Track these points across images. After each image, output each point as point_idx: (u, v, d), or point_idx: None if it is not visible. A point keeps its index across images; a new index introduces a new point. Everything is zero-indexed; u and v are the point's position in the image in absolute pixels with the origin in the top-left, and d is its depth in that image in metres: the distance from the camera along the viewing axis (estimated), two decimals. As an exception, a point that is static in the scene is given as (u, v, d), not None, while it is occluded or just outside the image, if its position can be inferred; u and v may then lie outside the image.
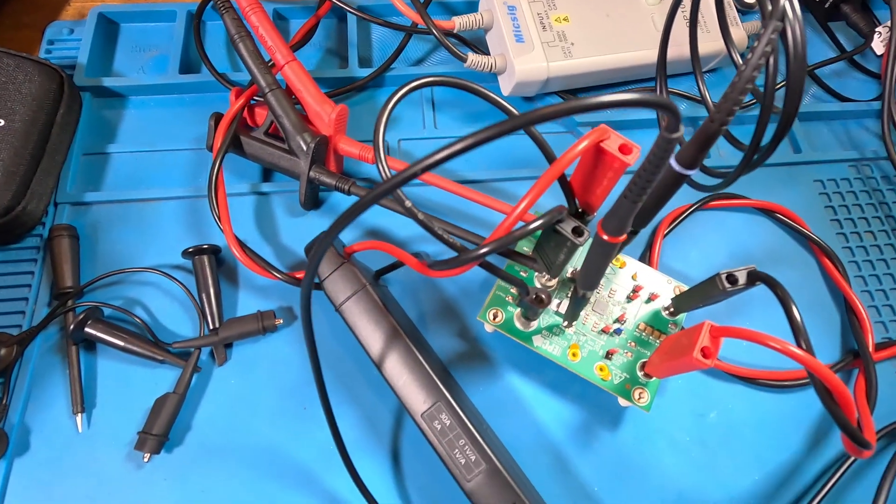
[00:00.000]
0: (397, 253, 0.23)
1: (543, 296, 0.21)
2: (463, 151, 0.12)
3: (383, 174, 0.22)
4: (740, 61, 0.22)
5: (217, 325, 0.25)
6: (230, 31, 0.26)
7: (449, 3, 0.34)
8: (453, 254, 0.19)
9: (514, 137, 0.31)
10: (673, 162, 0.18)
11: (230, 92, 0.28)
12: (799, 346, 0.18)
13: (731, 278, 0.20)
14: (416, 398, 0.21)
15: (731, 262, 0.29)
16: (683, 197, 0.30)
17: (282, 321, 0.25)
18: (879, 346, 0.27)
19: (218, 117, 0.28)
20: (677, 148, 0.17)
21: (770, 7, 0.15)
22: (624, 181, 0.21)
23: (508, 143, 0.31)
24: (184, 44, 0.32)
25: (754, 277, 0.20)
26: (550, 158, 0.22)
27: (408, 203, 0.19)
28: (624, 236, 0.17)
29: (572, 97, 0.32)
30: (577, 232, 0.19)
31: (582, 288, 0.20)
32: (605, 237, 0.17)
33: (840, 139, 0.33)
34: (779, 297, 0.19)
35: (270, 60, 0.27)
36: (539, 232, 0.20)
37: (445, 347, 0.26)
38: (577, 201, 0.21)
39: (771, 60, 0.16)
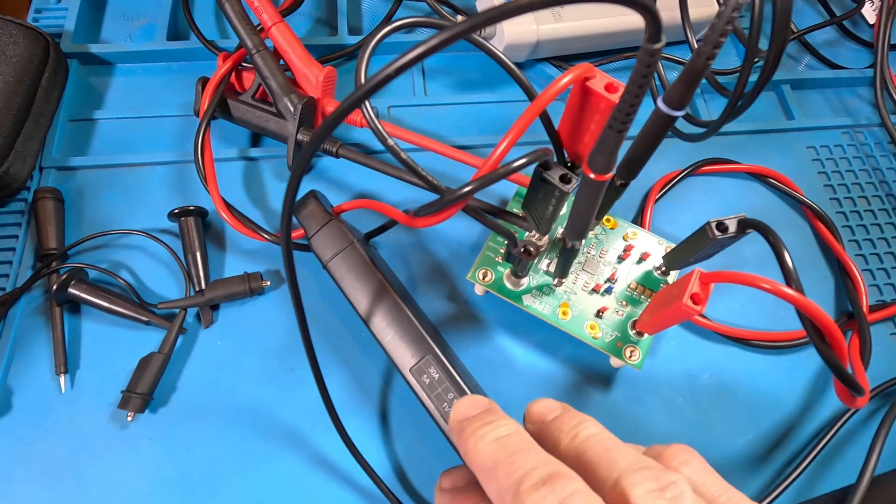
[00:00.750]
0: (383, 208, 0.23)
1: (532, 248, 0.21)
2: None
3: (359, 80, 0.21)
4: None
5: (203, 287, 0.25)
6: (217, -9, 0.26)
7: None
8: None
9: (504, 109, 0.31)
10: (661, 103, 0.18)
11: (218, 56, 0.27)
12: (789, 284, 0.18)
13: (721, 226, 0.20)
14: (405, 353, 0.21)
15: (724, 227, 0.28)
16: (675, 162, 0.30)
17: (269, 283, 0.25)
18: (873, 308, 0.26)
19: (205, 81, 0.27)
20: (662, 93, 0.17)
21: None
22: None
23: (499, 110, 0.31)
24: (171, 11, 0.31)
25: (745, 225, 0.19)
26: (532, 95, 0.21)
27: (390, 142, 0.18)
28: (611, 174, 0.17)
29: (564, 64, 0.32)
30: (565, 179, 0.19)
31: (570, 237, 0.20)
32: (592, 175, 0.17)
33: (833, 106, 0.33)
34: (770, 242, 0.19)
35: (258, 24, 0.27)
36: (526, 190, 0.20)
37: (436, 310, 0.25)
38: (565, 152, 0.21)
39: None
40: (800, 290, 0.18)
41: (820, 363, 0.26)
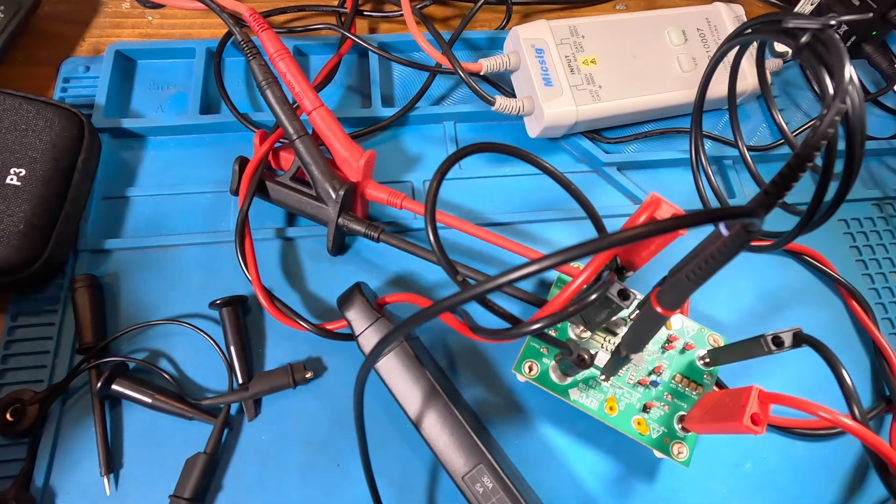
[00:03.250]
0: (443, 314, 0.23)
1: (586, 356, 0.21)
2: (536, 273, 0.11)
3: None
4: (779, 119, 0.22)
5: (246, 379, 0.24)
6: (258, 77, 0.26)
7: (469, 38, 0.34)
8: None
9: (538, 182, 0.31)
10: (724, 229, 0.18)
11: (255, 135, 0.27)
12: (851, 411, 0.18)
13: (777, 340, 0.20)
14: (458, 460, 0.21)
15: (759, 305, 0.29)
16: (711, 239, 0.30)
17: (312, 374, 0.25)
18: (910, 392, 0.27)
19: (242, 162, 0.27)
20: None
21: (830, 88, 0.15)
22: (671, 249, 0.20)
23: (536, 185, 0.31)
24: (203, 82, 0.31)
25: (800, 339, 0.20)
26: (600, 228, 0.21)
27: (459, 278, 0.18)
28: (678, 310, 0.17)
29: (598, 136, 0.32)
30: (623, 295, 0.19)
31: (626, 350, 0.20)
32: (660, 309, 0.17)
33: (862, 178, 0.33)
34: (827, 361, 0.19)
35: (296, 104, 0.27)
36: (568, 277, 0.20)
37: (477, 397, 0.25)
38: (618, 257, 0.21)
39: (834, 137, 0.15)
40: (862, 415, 0.18)
41: (858, 449, 0.26)
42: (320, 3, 0.35)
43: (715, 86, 0.29)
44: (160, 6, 0.28)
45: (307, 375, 0.24)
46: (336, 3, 0.35)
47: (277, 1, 0.35)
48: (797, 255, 0.30)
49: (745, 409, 0.19)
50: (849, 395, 0.17)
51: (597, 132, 0.32)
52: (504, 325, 0.22)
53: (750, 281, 0.29)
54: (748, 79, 0.31)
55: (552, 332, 0.24)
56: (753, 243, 0.23)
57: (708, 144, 0.32)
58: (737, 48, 0.20)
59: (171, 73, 0.32)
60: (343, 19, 0.34)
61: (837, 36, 0.15)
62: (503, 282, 0.12)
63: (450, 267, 0.19)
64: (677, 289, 0.16)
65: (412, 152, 0.31)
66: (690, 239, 0.18)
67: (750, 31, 0.18)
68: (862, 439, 0.17)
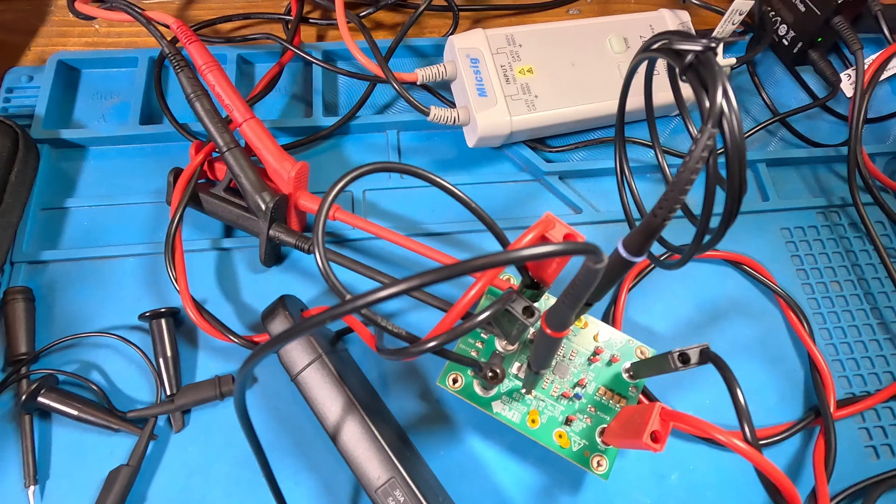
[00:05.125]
0: (353, 324, 0.23)
1: (497, 370, 0.21)
2: (395, 295, 0.11)
3: (338, 293, 0.21)
4: (693, 129, 0.22)
5: (174, 391, 0.25)
6: (186, 90, 0.26)
7: (416, 46, 0.34)
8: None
9: (480, 190, 0.31)
10: (620, 248, 0.18)
11: (190, 145, 0.27)
12: (743, 430, 0.18)
13: (683, 357, 0.20)
14: (371, 473, 0.21)
15: (696, 316, 0.29)
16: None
17: (240, 386, 0.25)
18: (842, 403, 0.27)
19: (177, 173, 0.27)
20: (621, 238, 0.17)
21: (707, 108, 0.15)
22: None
23: (476, 194, 0.30)
24: (145, 91, 0.31)
25: (706, 357, 0.20)
26: (502, 241, 0.21)
27: (347, 296, 0.18)
28: (567, 331, 0.17)
29: (539, 145, 0.31)
30: (528, 312, 0.19)
31: (534, 367, 0.20)
32: (549, 331, 0.17)
33: (809, 185, 0.33)
34: (725, 379, 0.19)
35: (228, 117, 0.27)
36: (497, 290, 0.20)
37: (406, 409, 0.25)
38: (529, 274, 0.21)
39: (710, 161, 0.15)
40: (752, 434, 0.18)
41: (786, 463, 0.26)
42: (267, 11, 0.35)
43: (658, 93, 0.29)
44: (93, 18, 0.28)
45: (234, 387, 0.25)
46: (283, 10, 0.35)
47: (225, 9, 0.35)
48: (736, 265, 0.30)
49: (647, 425, 0.19)
50: (741, 415, 0.17)
51: (539, 141, 0.32)
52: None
53: (688, 291, 0.29)
54: (689, 86, 0.30)
55: (478, 345, 0.24)
56: (655, 259, 0.23)
57: (652, 153, 0.32)
58: (646, 63, 0.20)
59: (115, 82, 0.32)
60: (289, 26, 0.33)
61: (714, 57, 0.15)
62: (360, 304, 0.12)
63: (338, 290, 0.19)
64: (558, 312, 0.16)
65: (354, 161, 0.31)
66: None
67: (653, 47, 0.18)
68: (751, 461, 0.17)
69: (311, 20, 0.35)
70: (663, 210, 0.16)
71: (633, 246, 0.17)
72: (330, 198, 0.20)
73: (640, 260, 0.18)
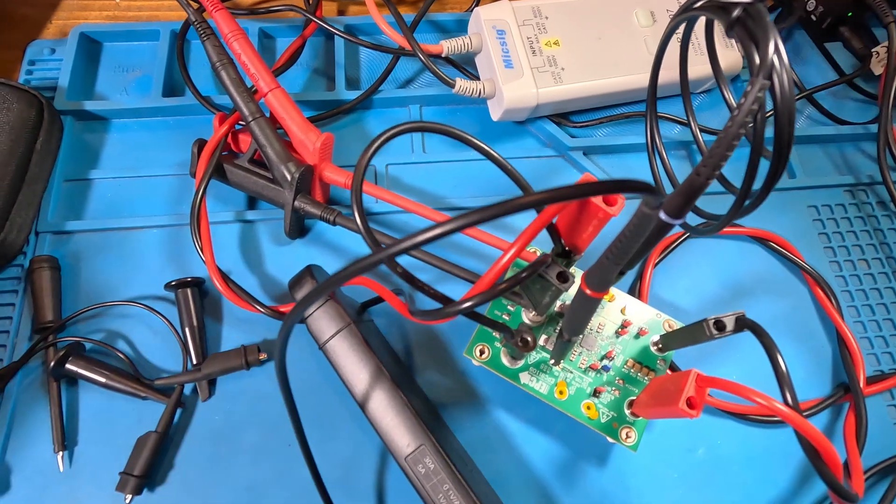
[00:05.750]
0: (382, 291, 0.23)
1: (529, 338, 0.21)
2: (449, 233, 0.11)
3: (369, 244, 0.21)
4: (732, 101, 0.22)
5: (200, 360, 0.25)
6: (212, 58, 0.25)
7: (439, 21, 0.34)
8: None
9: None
10: (661, 212, 0.17)
11: (214, 117, 0.27)
12: (784, 397, 0.18)
13: (719, 324, 0.20)
14: (400, 441, 0.21)
15: (722, 292, 0.28)
16: (675, 224, 0.29)
17: (266, 356, 0.25)
18: (871, 380, 0.26)
19: (201, 144, 0.27)
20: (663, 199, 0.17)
21: (757, 62, 0.14)
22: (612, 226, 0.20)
23: (496, 171, 0.30)
24: (167, 64, 0.31)
25: (742, 324, 0.19)
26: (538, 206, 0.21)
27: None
28: (607, 291, 0.17)
29: (564, 120, 0.31)
30: (563, 278, 0.19)
31: (567, 333, 0.20)
32: (589, 291, 0.17)
33: (836, 163, 0.32)
34: (764, 345, 0.19)
35: (253, 87, 0.27)
36: (523, 262, 0.20)
37: (432, 382, 0.25)
38: (562, 241, 0.21)
39: (759, 118, 0.15)
40: (794, 400, 0.17)
41: (815, 437, 0.26)
42: None
43: (690, 66, 0.29)
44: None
45: (261, 357, 0.25)
46: None
47: None
48: (763, 242, 0.29)
49: (682, 392, 0.19)
50: (782, 381, 0.17)
51: (563, 116, 0.31)
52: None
53: (713, 267, 0.29)
54: (723, 59, 0.30)
55: (505, 317, 0.24)
56: (690, 226, 0.22)
57: (677, 129, 0.32)
58: (684, 25, 0.19)
59: (137, 55, 0.32)
60: (311, 0, 0.33)
61: (765, 10, 0.15)
62: (409, 245, 0.12)
63: (374, 243, 0.19)
64: (600, 269, 0.15)
65: (376, 135, 0.31)
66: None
67: (696, 6, 0.18)
68: (793, 424, 0.17)
69: None
70: (707, 168, 0.15)
71: (673, 208, 0.17)
72: (370, 152, 0.20)
73: (680, 222, 0.17)
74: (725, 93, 0.21)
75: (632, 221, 0.13)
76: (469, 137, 0.21)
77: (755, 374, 0.26)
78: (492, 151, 0.21)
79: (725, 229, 0.29)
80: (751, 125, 0.15)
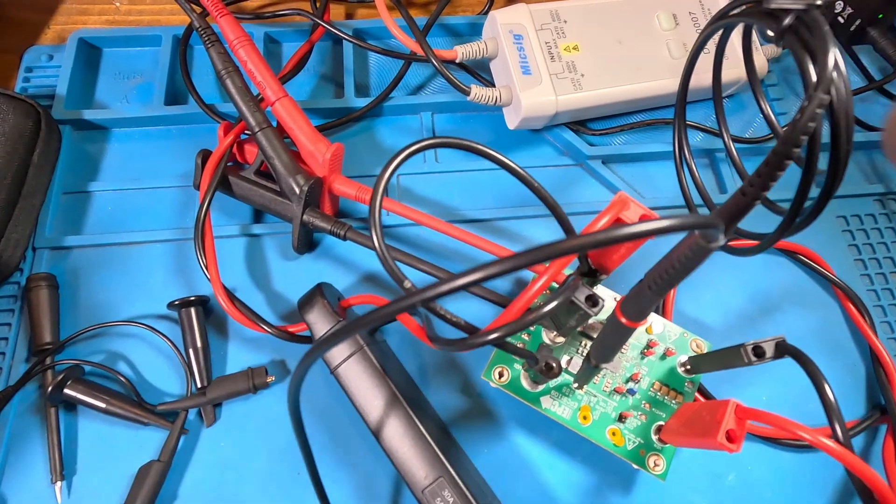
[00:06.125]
0: (400, 315, 0.21)
1: (554, 364, 0.20)
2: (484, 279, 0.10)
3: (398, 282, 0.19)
4: (769, 112, 0.21)
5: (205, 383, 0.23)
6: (217, 66, 0.24)
7: (450, 24, 0.33)
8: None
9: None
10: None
11: (219, 127, 0.26)
12: (834, 431, 0.17)
13: (758, 350, 0.18)
14: (418, 472, 0.20)
15: (748, 307, 0.27)
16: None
17: (273, 378, 0.24)
18: (907, 401, 0.25)
19: (205, 155, 0.26)
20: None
21: (814, 77, 0.13)
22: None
23: (512, 181, 0.29)
24: (170, 70, 0.30)
25: (783, 350, 0.18)
26: (566, 226, 0.20)
27: (408, 285, 0.17)
28: (645, 320, 0.15)
29: (582, 128, 0.30)
30: (592, 301, 0.18)
31: (596, 360, 0.19)
32: (624, 320, 0.15)
33: (865, 171, 0.31)
34: (810, 375, 0.17)
35: (260, 95, 0.26)
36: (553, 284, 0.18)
37: (447, 404, 0.24)
38: (589, 260, 0.20)
39: (816, 135, 0.14)
40: (844, 435, 0.16)
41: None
42: None
43: (706, 74, 0.27)
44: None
45: (268, 380, 0.23)
46: None
47: None
48: (790, 254, 0.28)
49: (720, 424, 0.17)
50: (831, 414, 0.16)
51: (581, 123, 0.30)
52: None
53: (739, 281, 0.28)
54: (741, 65, 0.29)
55: (525, 336, 0.23)
56: (734, 245, 0.21)
57: (699, 136, 0.30)
58: (720, 32, 0.18)
59: (138, 61, 0.31)
60: (318, 4, 0.32)
61: (823, 18, 0.14)
62: (445, 290, 0.11)
63: (395, 273, 0.18)
64: (640, 299, 0.14)
65: (387, 145, 0.30)
66: (667, 241, 0.16)
67: (734, 12, 0.16)
68: (844, 463, 0.15)
69: None
70: (755, 188, 0.14)
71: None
72: (387, 173, 0.19)
73: (724, 244, 0.16)
74: (762, 103, 0.20)
75: (683, 253, 0.12)
76: (495, 154, 0.20)
77: (787, 394, 0.25)
78: (520, 170, 0.20)
79: (752, 241, 0.28)
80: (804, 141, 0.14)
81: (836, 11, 0.32)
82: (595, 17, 0.28)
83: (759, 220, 0.23)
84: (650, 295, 0.14)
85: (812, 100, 0.13)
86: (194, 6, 0.25)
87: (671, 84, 0.28)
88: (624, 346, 0.23)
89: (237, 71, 0.25)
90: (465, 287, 0.10)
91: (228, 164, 0.26)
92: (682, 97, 0.21)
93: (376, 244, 0.18)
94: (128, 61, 0.31)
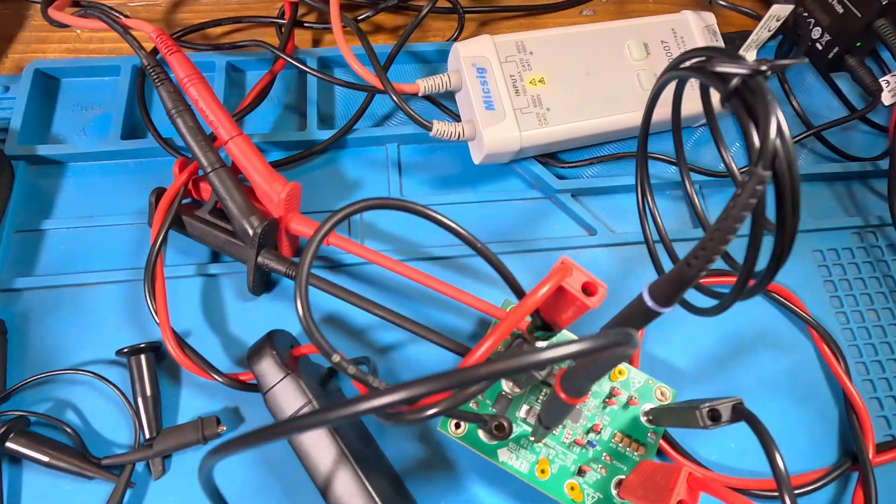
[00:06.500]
0: (352, 378, 0.21)
1: (505, 423, 0.19)
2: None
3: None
4: (728, 159, 0.20)
5: (154, 434, 0.23)
6: (167, 105, 0.24)
7: (420, 52, 0.32)
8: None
9: (486, 209, 0.29)
10: (646, 295, 0.16)
11: (174, 163, 0.25)
12: (782, 497, 0.16)
13: (714, 414, 0.18)
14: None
15: (720, 349, 0.27)
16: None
17: (225, 428, 0.23)
18: (881, 447, 0.24)
19: (159, 193, 0.25)
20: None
21: (757, 145, 0.12)
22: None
23: (484, 214, 0.28)
24: (128, 102, 0.29)
25: (739, 414, 0.17)
26: (514, 288, 0.19)
27: (336, 359, 0.16)
28: (584, 398, 0.15)
29: (550, 160, 0.29)
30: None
31: (545, 422, 0.18)
32: (563, 396, 0.15)
33: (843, 203, 0.30)
34: (763, 443, 0.17)
35: (213, 133, 0.25)
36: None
37: (404, 453, 0.24)
38: (542, 316, 0.19)
39: (758, 210, 0.13)
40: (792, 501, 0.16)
41: (821, 512, 0.24)
42: (259, 15, 0.33)
43: (685, 103, 0.27)
44: (66, 25, 0.26)
45: (219, 430, 0.23)
46: (276, 13, 0.32)
47: (215, 12, 0.33)
48: (765, 292, 0.27)
49: (672, 493, 0.17)
50: (782, 486, 0.15)
51: (551, 156, 0.29)
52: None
53: (711, 322, 0.26)
54: (715, 97, 0.28)
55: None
56: (690, 306, 0.20)
57: (671, 170, 0.30)
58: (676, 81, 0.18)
59: (97, 92, 0.30)
60: (283, 30, 0.31)
61: (766, 84, 0.13)
62: (388, 401, 0.10)
63: (321, 345, 0.17)
64: (576, 379, 0.14)
65: (351, 178, 0.29)
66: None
67: (684, 65, 0.16)
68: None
69: (305, 24, 0.32)
70: (699, 260, 0.14)
71: (661, 296, 0.15)
72: (309, 255, 0.18)
73: (668, 310, 0.15)
74: (724, 154, 0.19)
75: (604, 352, 0.11)
76: (432, 213, 0.19)
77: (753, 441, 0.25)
78: (463, 231, 0.19)
79: (723, 279, 0.27)
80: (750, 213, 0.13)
81: (814, 38, 0.32)
82: (563, 47, 0.27)
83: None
84: (584, 378, 0.13)
85: (752, 176, 0.12)
86: (148, 43, 0.24)
87: (641, 116, 0.27)
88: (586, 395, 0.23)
89: (188, 110, 0.24)
90: (365, 412, 0.09)
91: (185, 201, 0.26)
92: (644, 142, 0.20)
93: (301, 316, 0.17)
94: (86, 92, 0.30)
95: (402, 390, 0.09)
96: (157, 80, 0.24)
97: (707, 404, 0.18)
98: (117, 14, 0.27)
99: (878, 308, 0.28)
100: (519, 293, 0.19)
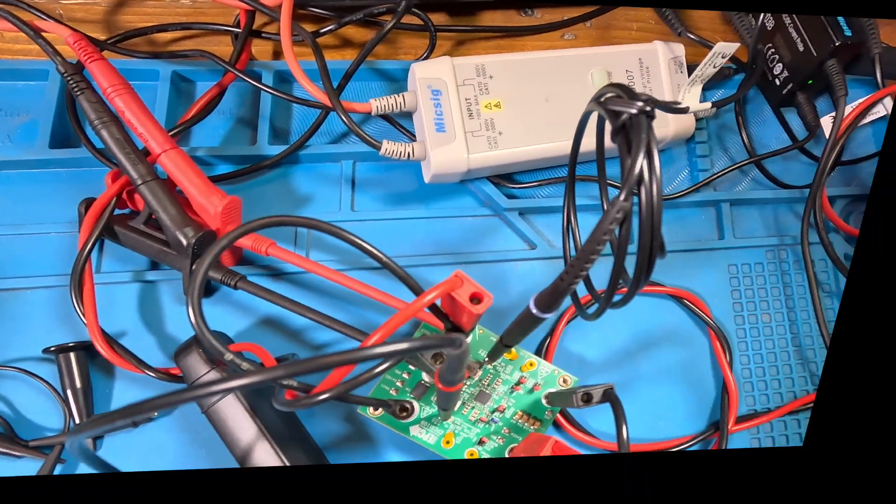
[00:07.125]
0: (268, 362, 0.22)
1: (408, 405, 0.22)
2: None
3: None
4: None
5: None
6: (89, 116, 0.23)
7: (386, 69, 0.31)
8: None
9: (437, 225, 0.30)
10: (532, 304, 0.18)
11: (106, 174, 0.25)
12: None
13: (587, 396, 0.20)
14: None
15: (631, 344, 0.29)
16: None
17: (157, 413, 0.24)
18: (741, 419, 0.28)
19: (89, 203, 0.25)
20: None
21: (628, 172, 0.14)
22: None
23: (433, 228, 0.30)
24: (57, 109, 0.28)
25: (608, 397, 0.20)
26: (414, 290, 0.21)
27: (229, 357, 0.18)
28: (459, 385, 0.17)
29: (503, 182, 0.30)
30: (436, 358, 0.19)
31: (440, 406, 0.21)
32: (440, 386, 0.17)
33: (767, 225, 0.32)
34: (616, 417, 0.20)
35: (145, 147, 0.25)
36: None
37: (331, 431, 0.25)
38: (450, 319, 0.21)
39: (622, 233, 0.15)
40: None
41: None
42: (212, 22, 0.30)
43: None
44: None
45: (152, 415, 0.24)
46: (232, 21, 0.31)
47: (163, 16, 0.32)
48: (677, 299, 0.30)
49: (541, 452, 0.19)
50: (621, 445, 0.19)
51: (506, 177, 0.30)
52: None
53: (627, 322, 0.29)
54: (670, 125, 0.29)
55: (405, 375, 0.24)
56: (580, 309, 0.22)
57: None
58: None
59: (24, 97, 0.29)
60: (237, 37, 0.30)
61: (645, 124, 0.14)
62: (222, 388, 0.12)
63: (215, 347, 0.19)
64: (445, 373, 0.16)
65: (302, 193, 0.30)
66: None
67: (591, 101, 0.17)
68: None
69: (263, 34, 0.30)
70: (569, 276, 0.16)
71: (543, 304, 0.17)
72: (202, 269, 0.19)
73: (551, 315, 0.18)
74: (604, 199, 0.21)
75: (443, 367, 0.13)
76: (340, 231, 0.21)
77: (643, 413, 0.28)
78: (369, 247, 0.21)
79: (646, 288, 0.29)
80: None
81: (774, 73, 0.33)
82: (525, 72, 0.27)
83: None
84: (447, 373, 0.15)
85: (613, 205, 0.14)
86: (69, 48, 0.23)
87: (594, 142, 0.28)
88: (496, 383, 0.25)
89: (114, 121, 0.23)
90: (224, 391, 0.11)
91: (122, 211, 0.26)
92: (572, 170, 0.21)
93: (193, 320, 0.18)
94: (12, 96, 0.28)
95: (258, 374, 0.11)
96: (76, 90, 0.23)
97: (582, 389, 0.20)
98: (40, 14, 0.25)
99: (772, 312, 0.31)
100: (417, 292, 0.21)
